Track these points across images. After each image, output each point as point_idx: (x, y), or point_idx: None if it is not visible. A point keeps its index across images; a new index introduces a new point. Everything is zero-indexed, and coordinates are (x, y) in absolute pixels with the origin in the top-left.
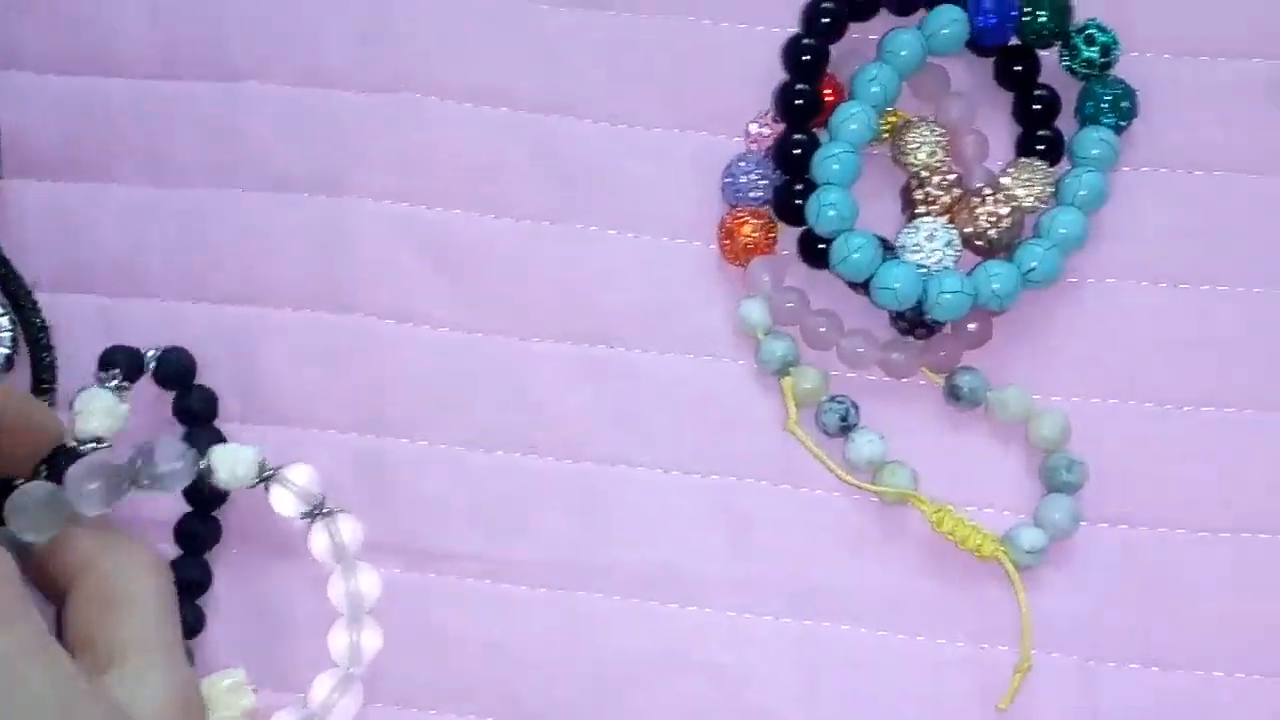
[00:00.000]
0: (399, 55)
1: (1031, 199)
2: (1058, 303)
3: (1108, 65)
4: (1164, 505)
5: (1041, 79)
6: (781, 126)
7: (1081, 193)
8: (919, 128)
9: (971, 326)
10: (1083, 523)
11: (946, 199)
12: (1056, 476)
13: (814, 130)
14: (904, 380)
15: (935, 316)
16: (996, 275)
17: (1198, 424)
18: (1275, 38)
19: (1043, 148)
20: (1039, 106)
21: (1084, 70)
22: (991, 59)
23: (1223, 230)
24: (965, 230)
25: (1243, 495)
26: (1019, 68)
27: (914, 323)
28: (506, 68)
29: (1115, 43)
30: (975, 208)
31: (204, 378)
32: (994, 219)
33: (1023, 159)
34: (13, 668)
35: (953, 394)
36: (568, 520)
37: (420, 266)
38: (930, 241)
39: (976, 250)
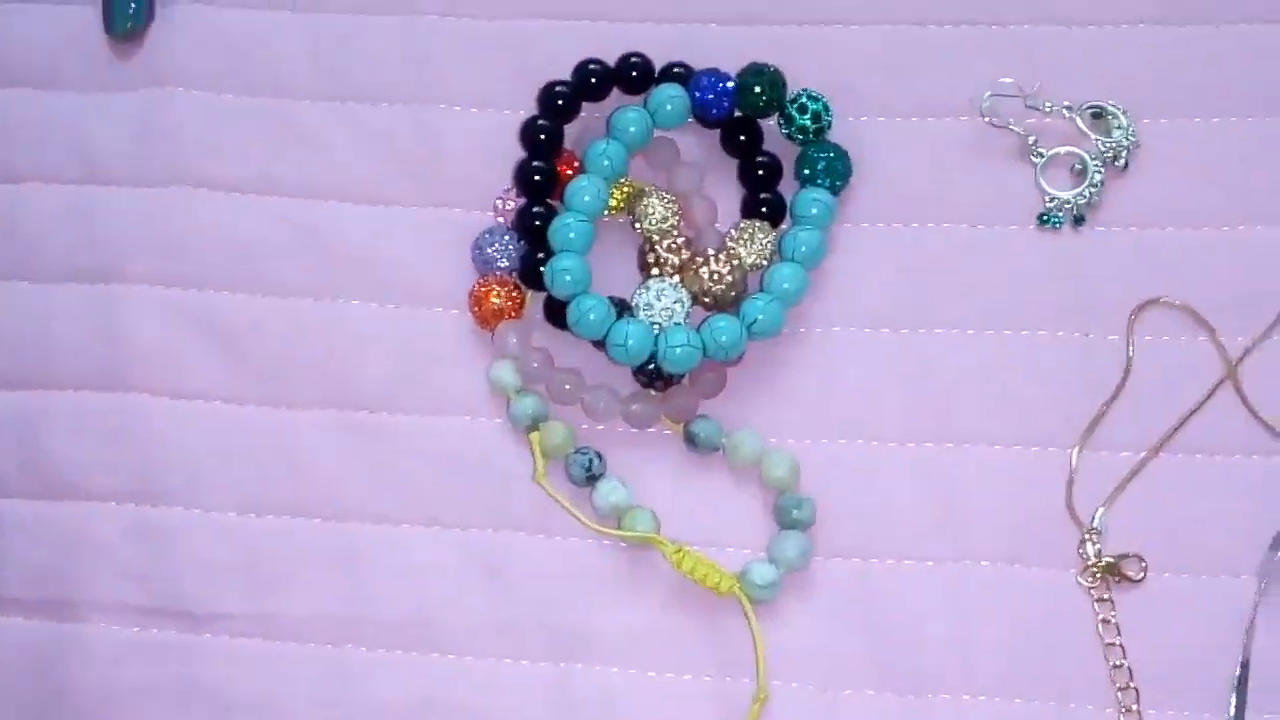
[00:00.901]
0: (169, 152)
1: (754, 257)
2: (788, 351)
3: (820, 131)
4: (890, 538)
5: (768, 146)
6: (523, 200)
7: (801, 249)
8: (651, 196)
9: (706, 377)
10: (816, 557)
11: (677, 260)
12: (787, 515)
13: (553, 203)
14: (647, 430)
15: (668, 369)
16: (722, 328)
17: (919, 459)
18: (977, 95)
19: (766, 210)
20: (762, 172)
21: (800, 136)
22: (718, 130)
23: (935, 276)
24: (692, 289)
25: (961, 526)
26: (742, 137)
27: (653, 376)
28: (270, 158)
29: (826, 109)
30: (699, 267)
31: None
32: (717, 277)
33: (746, 221)
34: None
35: (690, 441)
36: (332, 577)
37: (192, 345)
38: (660, 300)
39: (705, 306)
